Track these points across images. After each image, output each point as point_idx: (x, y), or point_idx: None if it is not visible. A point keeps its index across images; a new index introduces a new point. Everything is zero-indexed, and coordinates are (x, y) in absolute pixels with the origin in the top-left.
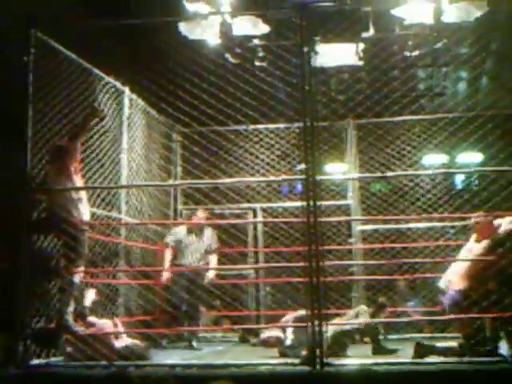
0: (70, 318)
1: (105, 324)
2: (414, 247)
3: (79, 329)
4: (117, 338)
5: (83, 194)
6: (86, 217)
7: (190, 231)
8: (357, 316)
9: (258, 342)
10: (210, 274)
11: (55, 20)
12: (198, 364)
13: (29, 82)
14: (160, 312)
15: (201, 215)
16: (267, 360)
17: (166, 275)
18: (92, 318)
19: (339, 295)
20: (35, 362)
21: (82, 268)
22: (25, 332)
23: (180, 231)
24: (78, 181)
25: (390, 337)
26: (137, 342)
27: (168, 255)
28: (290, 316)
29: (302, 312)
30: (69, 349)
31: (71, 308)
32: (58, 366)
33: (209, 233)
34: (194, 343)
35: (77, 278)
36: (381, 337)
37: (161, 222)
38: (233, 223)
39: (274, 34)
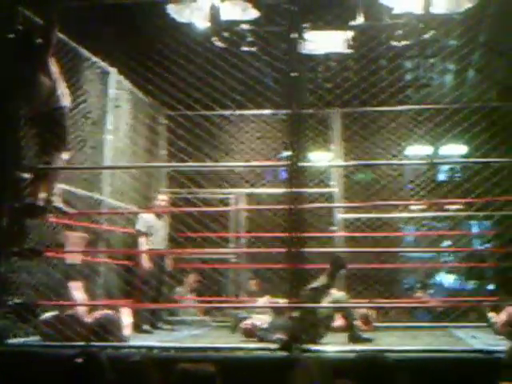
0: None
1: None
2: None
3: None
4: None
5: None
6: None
7: (157, 216)
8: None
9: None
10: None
11: None
12: (175, 347)
13: None
14: (139, 295)
15: (163, 198)
16: (245, 344)
17: (146, 263)
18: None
19: None
20: (13, 340)
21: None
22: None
23: (150, 217)
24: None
25: None
26: (108, 312)
27: (142, 242)
28: (264, 300)
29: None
30: (46, 329)
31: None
32: (35, 345)
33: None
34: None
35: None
36: None
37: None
38: (215, 210)
39: (263, 20)
